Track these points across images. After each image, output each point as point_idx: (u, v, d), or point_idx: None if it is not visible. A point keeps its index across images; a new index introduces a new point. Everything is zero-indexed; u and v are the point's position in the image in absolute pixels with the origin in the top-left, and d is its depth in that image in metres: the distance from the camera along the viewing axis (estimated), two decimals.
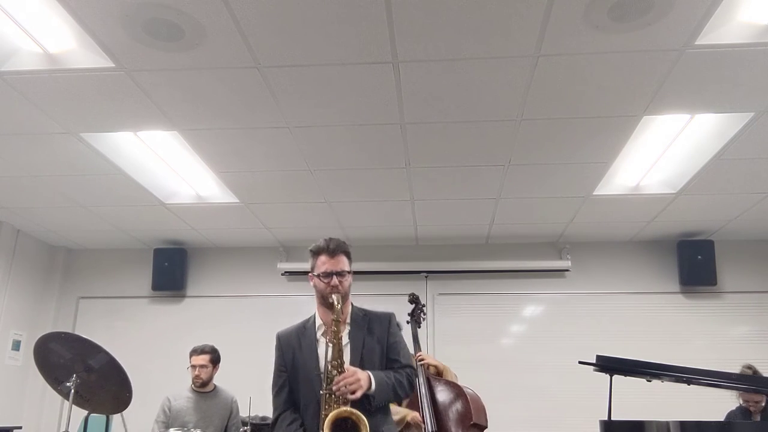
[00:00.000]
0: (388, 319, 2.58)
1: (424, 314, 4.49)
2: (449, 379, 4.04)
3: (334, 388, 2.27)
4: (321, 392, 2.30)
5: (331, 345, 2.34)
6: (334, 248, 2.46)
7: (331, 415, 2.24)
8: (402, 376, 2.46)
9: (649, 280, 5.93)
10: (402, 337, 2.65)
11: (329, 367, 2.31)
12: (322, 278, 2.44)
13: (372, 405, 2.32)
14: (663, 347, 5.52)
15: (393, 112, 3.59)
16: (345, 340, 2.45)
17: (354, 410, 2.25)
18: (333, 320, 2.37)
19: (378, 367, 2.44)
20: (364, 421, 2.22)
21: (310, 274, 2.52)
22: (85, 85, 3.33)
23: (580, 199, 4.95)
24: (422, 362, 4.01)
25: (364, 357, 2.43)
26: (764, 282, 5.80)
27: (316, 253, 2.49)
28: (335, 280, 2.42)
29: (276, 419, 2.50)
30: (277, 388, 2.53)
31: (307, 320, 2.58)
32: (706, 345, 5.65)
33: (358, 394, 2.26)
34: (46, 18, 2.85)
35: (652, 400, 4.58)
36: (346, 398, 2.27)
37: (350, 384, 2.26)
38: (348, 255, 2.52)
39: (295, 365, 2.49)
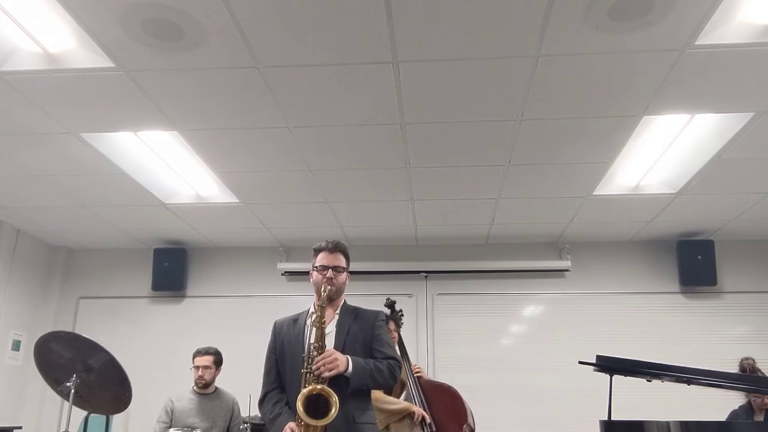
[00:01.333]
0: (375, 314, 2.78)
1: (402, 316, 4.46)
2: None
3: (313, 367, 2.46)
4: (302, 371, 2.49)
5: (314, 328, 2.54)
6: (333, 247, 2.75)
7: (304, 391, 2.41)
8: (382, 364, 2.61)
9: (648, 280, 5.93)
10: (387, 332, 2.81)
11: (311, 348, 2.51)
12: (319, 271, 2.70)
13: (348, 387, 2.48)
14: (663, 347, 5.53)
15: (393, 112, 3.59)
16: (331, 328, 2.66)
17: (324, 387, 2.41)
18: (318, 306, 2.57)
19: (359, 356, 2.59)
20: (334, 397, 2.38)
21: (310, 271, 2.76)
22: (85, 85, 3.33)
23: (580, 199, 4.95)
24: (418, 374, 4.06)
25: (346, 343, 2.62)
26: (764, 282, 5.80)
27: (317, 250, 2.77)
28: (330, 273, 2.67)
29: (264, 397, 2.71)
30: (266, 369, 2.76)
31: (303, 312, 2.80)
32: (706, 345, 5.64)
33: (334, 372, 2.44)
34: (46, 18, 2.84)
35: (652, 400, 4.58)
36: (323, 377, 2.44)
37: (328, 363, 2.44)
38: (346, 255, 2.78)
39: (283, 349, 2.71)
